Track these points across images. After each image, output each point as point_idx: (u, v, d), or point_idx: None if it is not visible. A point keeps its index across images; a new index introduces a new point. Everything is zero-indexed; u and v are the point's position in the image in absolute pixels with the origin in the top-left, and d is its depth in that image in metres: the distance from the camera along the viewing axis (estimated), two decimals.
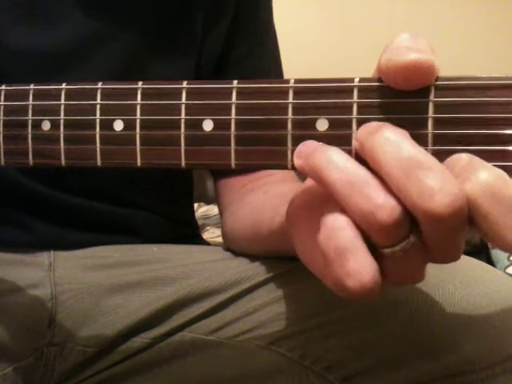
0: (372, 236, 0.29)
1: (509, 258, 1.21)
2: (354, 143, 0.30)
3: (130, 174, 0.59)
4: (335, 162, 0.29)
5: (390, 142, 0.28)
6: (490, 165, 0.28)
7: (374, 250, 0.29)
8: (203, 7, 0.61)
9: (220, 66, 0.64)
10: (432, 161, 0.27)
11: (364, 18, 1.91)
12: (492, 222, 0.27)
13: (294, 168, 0.32)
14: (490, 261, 1.24)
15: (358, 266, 0.28)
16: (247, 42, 0.64)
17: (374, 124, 0.30)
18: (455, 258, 0.30)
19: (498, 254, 1.23)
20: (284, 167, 0.32)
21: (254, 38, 0.65)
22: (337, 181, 0.29)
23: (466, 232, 0.28)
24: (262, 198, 0.52)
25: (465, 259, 0.48)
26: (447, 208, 0.26)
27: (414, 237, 0.29)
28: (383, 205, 0.27)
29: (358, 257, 0.28)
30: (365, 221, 0.28)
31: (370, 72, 0.32)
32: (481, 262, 0.49)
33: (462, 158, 0.28)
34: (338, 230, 0.29)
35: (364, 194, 0.28)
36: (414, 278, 0.31)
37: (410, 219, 0.28)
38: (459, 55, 1.77)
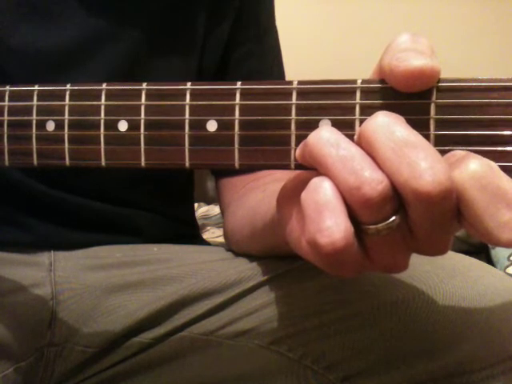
0: (358, 211, 0.29)
1: (509, 257, 1.21)
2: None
3: (130, 173, 0.59)
4: (328, 139, 0.30)
5: (383, 122, 0.29)
6: (482, 157, 0.28)
7: (360, 229, 0.30)
8: (205, 7, 0.61)
9: (221, 67, 0.64)
10: (423, 142, 0.28)
11: (365, 18, 1.91)
12: (477, 210, 0.27)
13: (297, 168, 0.33)
14: (490, 261, 1.24)
15: (332, 224, 0.29)
16: (248, 43, 0.65)
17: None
18: (441, 251, 0.31)
19: (498, 254, 1.24)
20: (287, 167, 0.33)
21: (255, 38, 0.65)
22: (328, 156, 0.29)
23: (453, 224, 0.29)
24: (261, 196, 0.53)
25: (465, 259, 0.48)
26: (435, 187, 0.27)
27: (400, 218, 0.29)
28: (369, 178, 0.28)
29: (334, 215, 0.29)
30: (350, 194, 0.29)
31: (370, 71, 0.33)
32: (481, 261, 0.49)
33: (458, 153, 0.29)
34: (319, 187, 0.30)
35: (351, 168, 0.29)
36: (397, 264, 0.31)
37: (398, 201, 0.29)
38: (459, 55, 1.78)
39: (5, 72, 0.54)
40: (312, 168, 0.31)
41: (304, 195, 0.30)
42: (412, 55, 0.29)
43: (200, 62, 0.63)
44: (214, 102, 0.33)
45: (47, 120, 0.36)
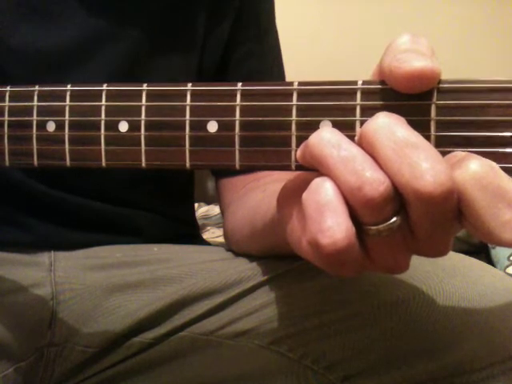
0: (359, 212, 0.29)
1: (509, 257, 1.22)
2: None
3: (130, 174, 0.59)
4: (329, 139, 0.30)
5: (384, 123, 0.29)
6: (482, 158, 0.28)
7: (361, 230, 0.30)
8: (205, 7, 0.61)
9: (221, 67, 0.64)
10: (424, 143, 0.28)
11: (364, 18, 1.91)
12: (478, 210, 0.28)
13: (297, 169, 0.33)
14: (490, 261, 1.24)
15: (333, 223, 0.29)
16: (249, 42, 0.65)
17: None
18: (442, 252, 0.31)
19: (498, 254, 1.24)
20: (288, 168, 0.33)
21: (255, 38, 0.65)
22: (329, 157, 0.29)
23: (454, 224, 0.29)
24: (261, 196, 0.53)
25: (465, 259, 0.48)
26: (436, 188, 0.27)
27: (401, 218, 0.29)
28: (370, 179, 0.28)
29: (335, 215, 0.29)
30: (351, 195, 0.29)
31: (370, 71, 0.33)
32: (481, 261, 0.49)
33: (459, 153, 0.29)
34: (321, 187, 0.30)
35: (353, 169, 0.29)
36: (398, 265, 0.32)
37: (399, 202, 0.29)
38: (459, 56, 1.78)
39: (5, 72, 0.54)
40: (313, 169, 0.31)
41: (305, 195, 0.30)
42: (412, 56, 0.29)
43: (200, 62, 0.63)
44: (214, 103, 0.33)
45: (48, 120, 0.36)
